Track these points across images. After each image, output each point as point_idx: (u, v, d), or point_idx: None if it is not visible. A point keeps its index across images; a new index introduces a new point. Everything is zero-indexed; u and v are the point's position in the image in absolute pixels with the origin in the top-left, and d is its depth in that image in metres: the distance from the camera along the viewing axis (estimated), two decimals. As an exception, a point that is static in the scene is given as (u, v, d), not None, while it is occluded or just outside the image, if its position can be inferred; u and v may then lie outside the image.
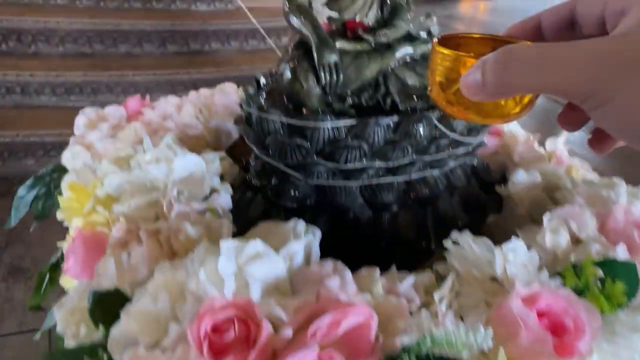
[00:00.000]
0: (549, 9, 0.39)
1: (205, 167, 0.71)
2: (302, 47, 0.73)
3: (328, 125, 0.68)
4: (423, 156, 0.74)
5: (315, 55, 0.70)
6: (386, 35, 0.76)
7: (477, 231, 0.62)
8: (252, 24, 4.11)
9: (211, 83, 3.69)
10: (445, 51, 0.38)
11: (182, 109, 0.93)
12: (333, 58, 0.70)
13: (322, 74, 0.69)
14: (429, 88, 0.41)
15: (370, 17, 0.80)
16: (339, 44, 0.74)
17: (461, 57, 0.37)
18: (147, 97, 1.10)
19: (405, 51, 0.78)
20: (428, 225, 0.77)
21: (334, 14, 0.77)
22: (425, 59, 0.79)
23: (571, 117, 0.39)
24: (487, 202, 0.82)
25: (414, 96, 0.75)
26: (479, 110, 0.37)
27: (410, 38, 0.79)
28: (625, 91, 0.28)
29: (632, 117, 0.29)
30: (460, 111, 0.39)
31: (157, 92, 3.46)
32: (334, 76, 0.69)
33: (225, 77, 3.71)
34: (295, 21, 0.75)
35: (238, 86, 1.30)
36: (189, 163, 0.70)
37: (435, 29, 0.84)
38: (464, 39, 0.42)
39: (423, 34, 0.81)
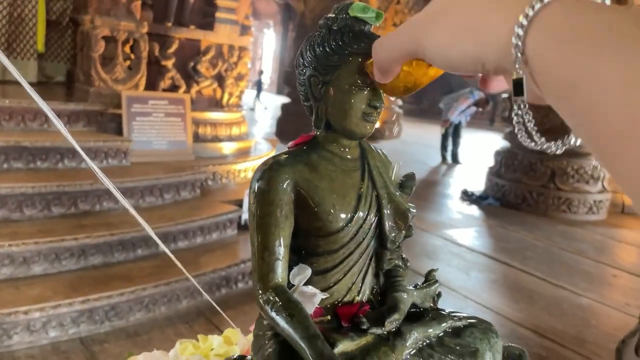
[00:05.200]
0: None
1: None
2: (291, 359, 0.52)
3: None
4: None
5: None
6: (396, 322, 0.57)
7: None
8: (148, 180, 3.88)
9: (102, 248, 3.32)
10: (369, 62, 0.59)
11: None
12: None
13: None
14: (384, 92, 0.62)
15: (365, 290, 0.61)
16: (342, 346, 0.54)
17: None
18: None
19: (418, 335, 0.59)
20: None
21: (324, 295, 0.57)
22: (441, 342, 0.61)
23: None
24: None
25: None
26: (411, 81, 0.53)
27: (417, 313, 0.61)
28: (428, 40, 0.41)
29: (442, 52, 0.40)
30: (404, 89, 0.55)
31: (38, 263, 3.01)
32: (349, 414, 0.48)
33: (120, 240, 3.37)
34: (275, 317, 0.54)
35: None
36: None
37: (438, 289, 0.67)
38: None
39: (429, 302, 0.64)
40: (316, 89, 0.63)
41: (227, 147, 4.77)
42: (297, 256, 0.62)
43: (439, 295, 0.70)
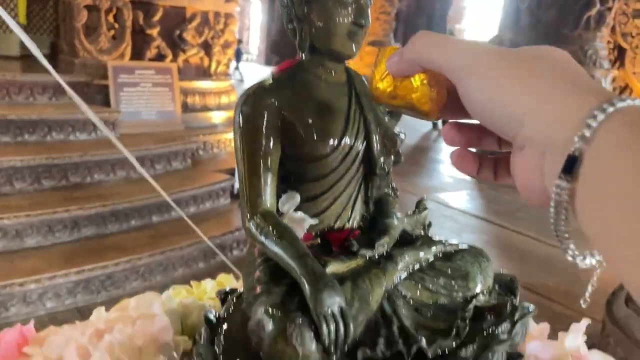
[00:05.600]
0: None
1: None
2: (284, 281, 0.52)
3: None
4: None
5: (309, 300, 0.48)
6: (385, 245, 0.57)
7: None
8: (139, 151, 3.84)
9: (95, 219, 3.31)
10: (387, 48, 0.48)
11: (88, 358, 0.65)
12: (337, 302, 0.49)
13: (325, 329, 0.47)
14: (370, 82, 0.49)
15: (355, 217, 0.61)
16: (332, 267, 0.53)
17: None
18: (31, 324, 0.79)
19: (409, 259, 0.59)
20: None
21: (314, 221, 0.57)
22: (432, 266, 0.61)
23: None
24: None
25: (433, 327, 0.55)
26: (404, 94, 0.47)
27: (407, 236, 0.61)
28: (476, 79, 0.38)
29: (479, 96, 0.38)
30: (390, 97, 0.48)
31: (31, 236, 3.00)
32: (341, 328, 0.48)
33: (112, 211, 3.35)
34: (265, 241, 0.53)
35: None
36: None
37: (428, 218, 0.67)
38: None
39: (420, 229, 0.63)
40: (299, 8, 0.61)
41: (217, 117, 4.73)
42: (285, 184, 0.62)
43: (429, 225, 0.70)
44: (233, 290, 0.66)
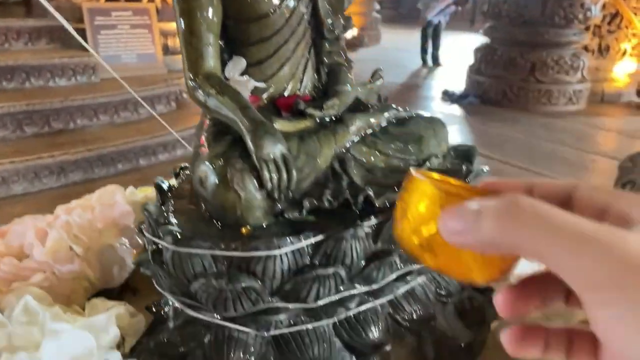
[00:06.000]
0: (544, 181, 0.33)
1: (94, 342, 0.44)
2: (227, 137, 0.51)
3: (287, 250, 0.45)
4: (412, 265, 0.53)
5: (250, 147, 0.47)
6: (335, 107, 0.56)
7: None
8: (121, 95, 3.78)
9: (82, 164, 3.29)
10: (430, 186, 0.30)
11: (47, 238, 0.65)
12: (278, 148, 0.48)
13: (266, 174, 0.47)
14: (397, 225, 0.32)
15: (306, 85, 0.60)
16: (278, 124, 0.53)
17: (450, 197, 0.30)
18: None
19: (360, 123, 0.58)
20: (428, 357, 0.55)
21: (261, 85, 0.56)
22: (386, 131, 0.60)
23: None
24: (485, 306, 0.63)
25: (383, 183, 0.55)
26: (456, 262, 0.30)
27: (360, 105, 0.60)
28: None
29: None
30: (432, 259, 0.31)
31: (17, 182, 2.99)
32: (284, 174, 0.47)
33: (98, 156, 3.33)
34: (207, 100, 0.52)
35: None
36: (69, 342, 0.43)
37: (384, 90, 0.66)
38: (438, 182, 0.34)
39: (374, 98, 0.63)
40: None
41: (200, 59, 4.63)
42: (230, 51, 0.60)
43: (386, 99, 0.69)
44: (186, 167, 0.66)
